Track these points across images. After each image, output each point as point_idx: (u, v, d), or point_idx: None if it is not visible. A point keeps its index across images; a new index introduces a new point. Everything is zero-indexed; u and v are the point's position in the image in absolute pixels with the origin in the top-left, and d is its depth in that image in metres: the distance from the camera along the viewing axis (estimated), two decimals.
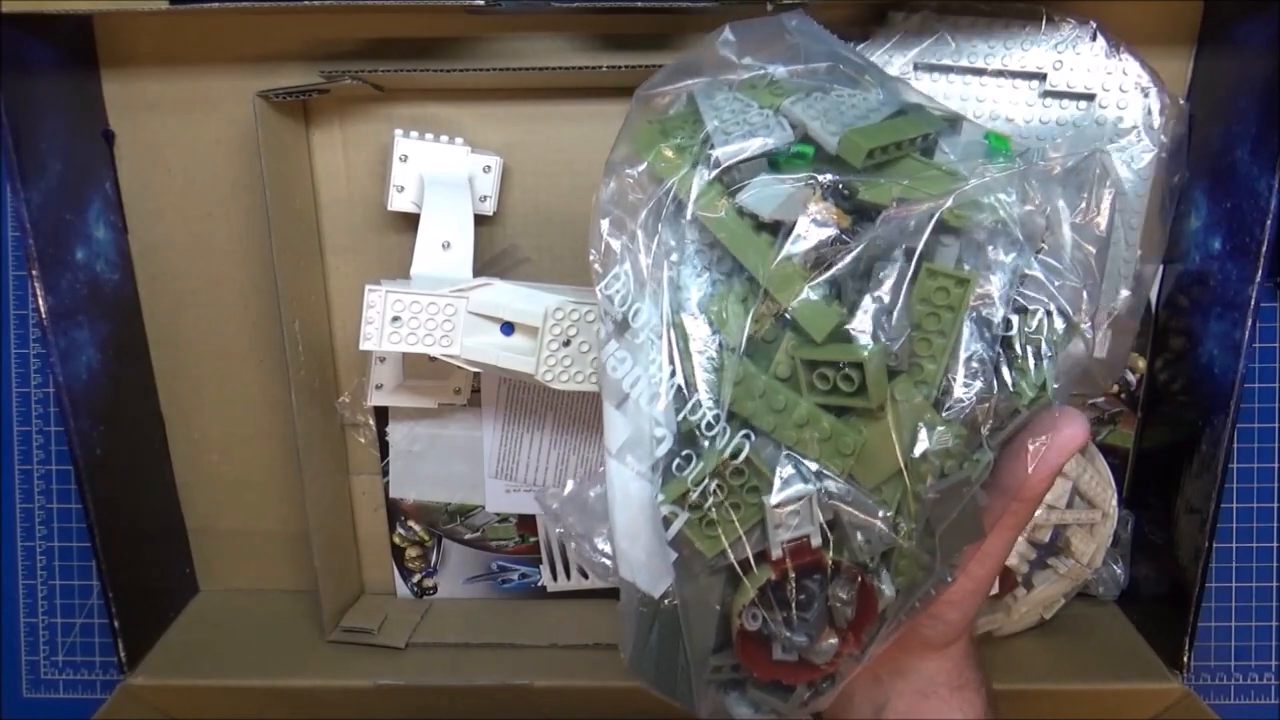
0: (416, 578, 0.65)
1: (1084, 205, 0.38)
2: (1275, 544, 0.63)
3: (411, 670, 0.59)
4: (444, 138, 0.57)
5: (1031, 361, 0.36)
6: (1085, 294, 0.37)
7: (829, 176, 0.35)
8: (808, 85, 0.39)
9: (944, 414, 0.34)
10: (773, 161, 0.37)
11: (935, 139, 0.38)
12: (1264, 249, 0.51)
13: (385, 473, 0.64)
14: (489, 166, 0.58)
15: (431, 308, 0.52)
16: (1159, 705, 0.56)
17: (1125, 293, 0.54)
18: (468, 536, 0.65)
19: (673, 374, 0.36)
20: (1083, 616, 0.61)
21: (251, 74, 0.58)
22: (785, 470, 0.35)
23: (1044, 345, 0.36)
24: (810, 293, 0.34)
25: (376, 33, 0.58)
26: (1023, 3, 0.53)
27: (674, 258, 0.37)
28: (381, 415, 0.63)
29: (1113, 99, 0.53)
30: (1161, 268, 0.58)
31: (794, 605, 0.36)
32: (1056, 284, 0.36)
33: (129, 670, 0.58)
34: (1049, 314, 0.36)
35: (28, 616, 0.66)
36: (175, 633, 0.62)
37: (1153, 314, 0.59)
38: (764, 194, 0.35)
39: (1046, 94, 0.53)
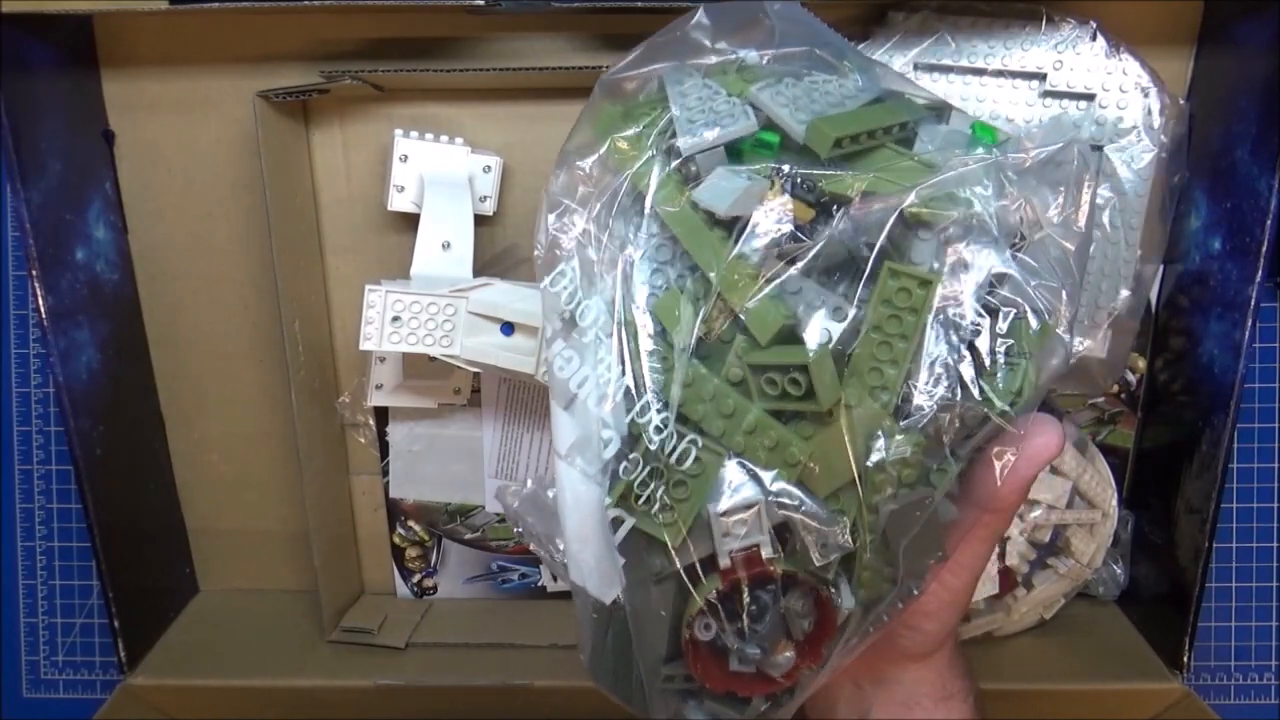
0: (416, 578, 0.65)
1: (1061, 200, 0.36)
2: (1275, 544, 0.63)
3: (411, 670, 0.59)
4: (444, 138, 0.57)
5: (1002, 367, 0.34)
6: (1064, 294, 0.35)
7: (790, 168, 0.34)
8: (779, 71, 0.37)
9: (903, 422, 0.33)
10: (736, 151, 0.35)
11: (914, 128, 0.36)
12: (1264, 249, 0.51)
13: (385, 473, 0.64)
14: (489, 166, 0.58)
15: (431, 308, 0.52)
16: (1159, 705, 0.56)
17: (1125, 293, 0.54)
18: (468, 536, 0.65)
19: (622, 374, 0.35)
20: (1083, 616, 0.61)
21: (251, 74, 0.58)
22: (735, 477, 0.33)
23: (1017, 350, 0.34)
24: (765, 293, 0.33)
25: (376, 33, 0.58)
26: (1023, 3, 0.53)
27: (628, 252, 0.35)
28: (381, 415, 0.63)
29: (1113, 99, 0.53)
30: (1161, 268, 0.58)
31: (746, 616, 0.34)
32: (1033, 284, 0.34)
33: (129, 670, 0.58)
34: (1022, 316, 0.34)
35: (28, 616, 0.66)
36: (175, 633, 0.62)
37: (1153, 314, 0.59)
38: (720, 188, 0.34)
39: (1046, 94, 0.53)
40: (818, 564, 0.34)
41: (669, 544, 0.34)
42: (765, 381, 0.33)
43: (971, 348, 0.33)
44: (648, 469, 0.34)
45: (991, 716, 0.55)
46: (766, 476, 0.33)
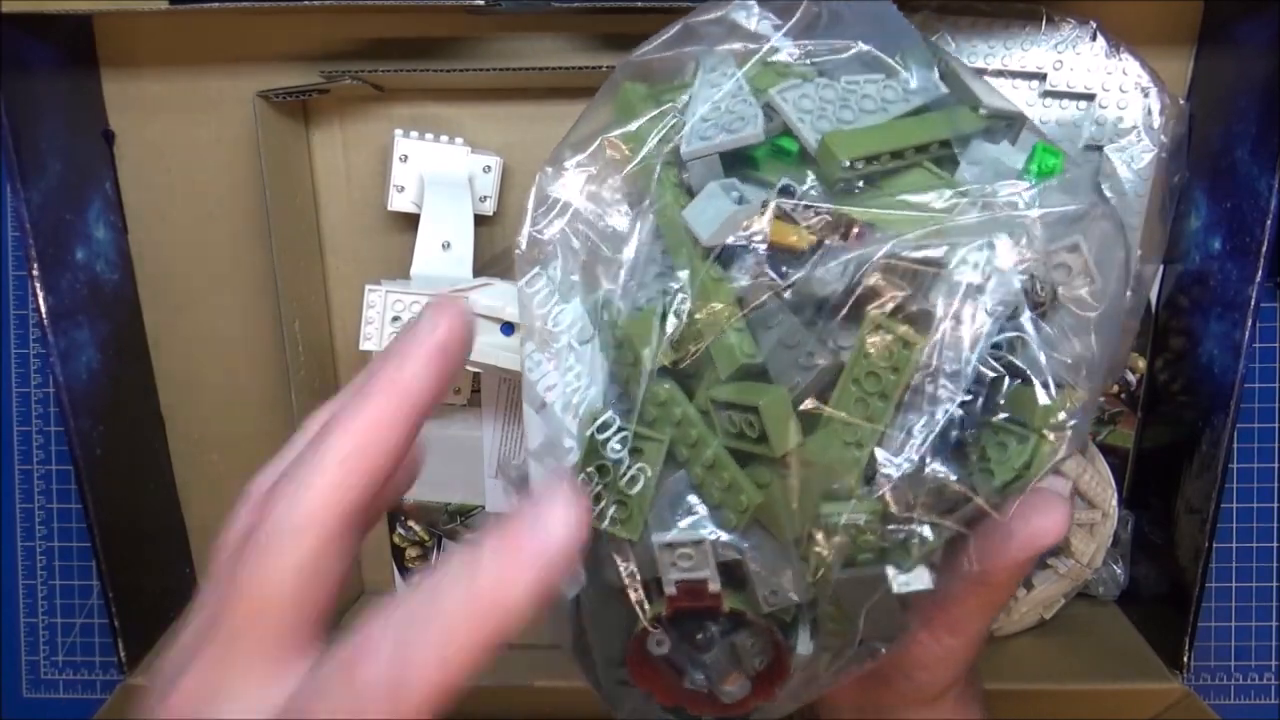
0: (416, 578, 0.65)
1: (1076, 250, 0.32)
2: (1275, 544, 0.63)
3: None
4: (444, 138, 0.57)
5: (996, 445, 0.31)
6: (1083, 371, 0.32)
7: (791, 188, 0.31)
8: (811, 69, 0.34)
9: (863, 488, 0.30)
10: (750, 159, 0.32)
11: (962, 145, 0.32)
12: (1264, 249, 0.51)
13: None
14: (489, 166, 0.58)
15: None
16: (1159, 705, 0.56)
17: (1126, 293, 0.54)
18: (468, 537, 0.65)
19: (589, 386, 0.33)
20: (1083, 616, 0.61)
21: (251, 74, 0.58)
22: (689, 504, 0.32)
23: (1017, 425, 0.31)
24: (737, 324, 0.30)
25: (376, 33, 0.58)
26: (1023, 3, 0.53)
27: (621, 256, 0.33)
28: None
29: (1113, 99, 0.53)
30: (1161, 268, 0.58)
31: (692, 646, 0.33)
32: (1049, 355, 0.31)
33: (129, 670, 0.58)
34: (1028, 385, 0.31)
35: (28, 616, 0.66)
36: (175, 633, 0.62)
37: (1153, 314, 0.59)
38: (705, 209, 0.31)
39: (1046, 94, 0.53)
40: (765, 610, 0.32)
41: (617, 562, 0.32)
42: (726, 419, 0.31)
43: (963, 415, 0.30)
44: (603, 484, 0.32)
45: (991, 717, 0.55)
46: (719, 515, 0.32)
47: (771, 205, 0.30)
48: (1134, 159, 0.53)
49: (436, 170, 0.57)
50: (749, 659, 0.33)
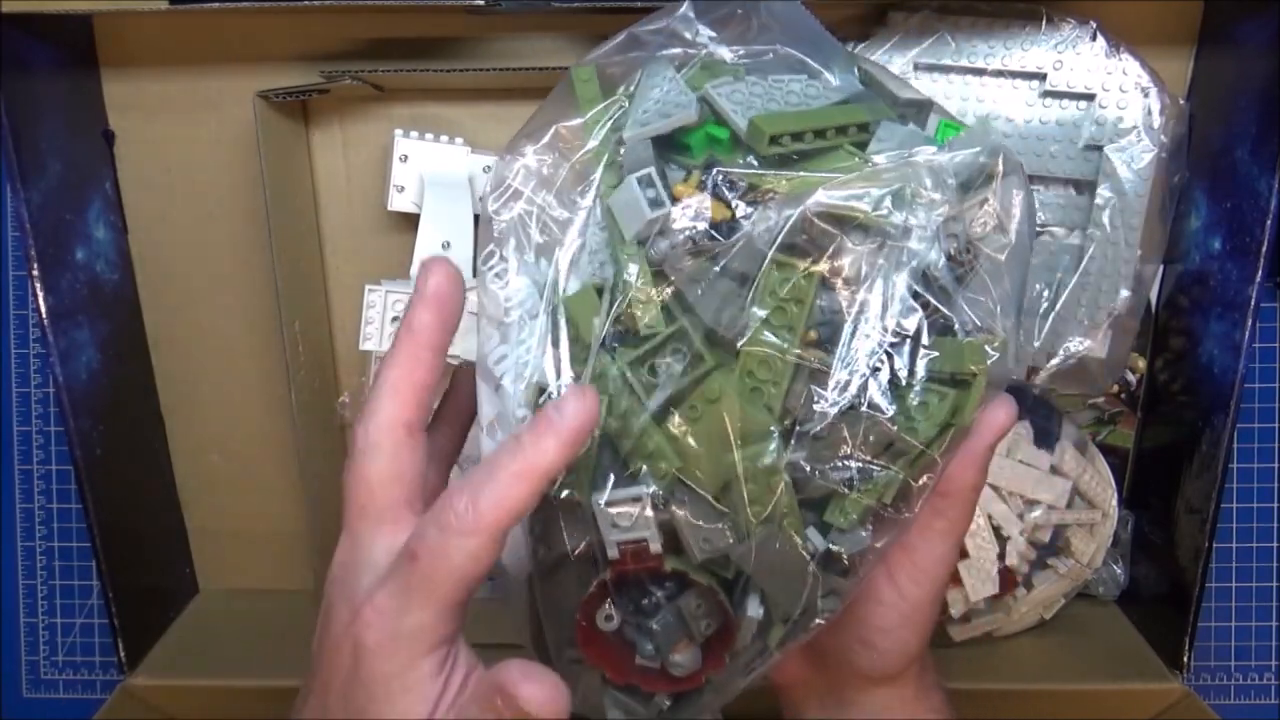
0: None
1: (988, 206, 0.34)
2: (1275, 544, 0.63)
3: None
4: (444, 138, 0.57)
5: (925, 387, 0.32)
6: (999, 308, 0.33)
7: (713, 166, 0.33)
8: (744, 69, 0.37)
9: (800, 428, 0.32)
10: (683, 145, 0.35)
11: (874, 128, 0.35)
12: (1264, 249, 0.51)
13: None
14: (489, 166, 0.58)
15: None
16: (1159, 705, 0.56)
17: (1125, 293, 0.54)
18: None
19: (541, 358, 0.35)
20: (1083, 616, 0.61)
21: (251, 74, 0.58)
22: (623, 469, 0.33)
23: (946, 370, 0.33)
24: (661, 294, 0.33)
25: (376, 33, 0.58)
26: (1023, 3, 0.53)
27: (568, 236, 0.35)
28: None
29: (1113, 99, 0.53)
30: (1161, 268, 0.58)
31: (639, 611, 0.34)
32: (966, 296, 0.33)
33: (129, 670, 0.58)
34: (950, 330, 0.32)
35: (28, 616, 0.66)
36: (175, 633, 0.62)
37: (1153, 314, 0.59)
38: (627, 201, 0.34)
39: (1046, 94, 0.53)
40: (699, 559, 0.33)
41: (562, 528, 0.34)
42: (648, 371, 0.33)
43: (889, 358, 0.32)
44: None
45: (991, 716, 0.55)
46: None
47: (701, 175, 0.34)
48: (1134, 159, 0.53)
49: (436, 170, 0.57)
50: (696, 624, 0.34)
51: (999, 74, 0.53)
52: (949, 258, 0.33)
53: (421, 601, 0.30)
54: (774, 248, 0.32)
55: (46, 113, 0.54)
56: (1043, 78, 0.53)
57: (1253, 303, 0.51)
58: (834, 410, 0.32)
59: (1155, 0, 0.56)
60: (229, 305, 0.62)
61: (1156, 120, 0.53)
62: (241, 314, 0.62)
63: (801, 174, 0.33)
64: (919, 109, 0.37)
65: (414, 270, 0.55)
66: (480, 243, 0.37)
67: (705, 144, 0.35)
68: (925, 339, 0.33)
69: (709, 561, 0.33)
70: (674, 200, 0.33)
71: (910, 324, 0.32)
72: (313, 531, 0.59)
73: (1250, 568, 0.63)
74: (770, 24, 0.38)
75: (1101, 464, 0.59)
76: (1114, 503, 0.58)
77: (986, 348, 0.33)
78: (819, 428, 0.32)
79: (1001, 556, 0.57)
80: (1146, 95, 0.53)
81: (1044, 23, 0.53)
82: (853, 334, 0.32)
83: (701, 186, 0.33)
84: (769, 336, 0.32)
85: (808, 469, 0.32)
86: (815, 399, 0.32)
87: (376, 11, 0.56)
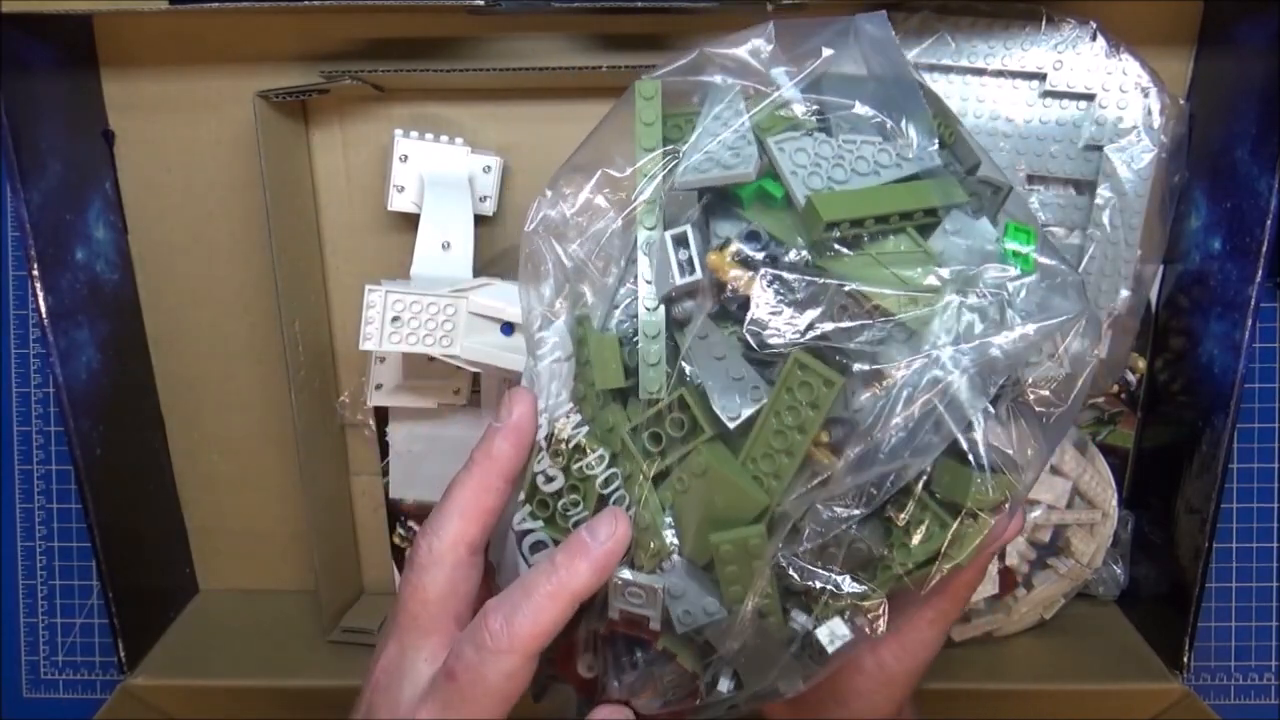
0: None
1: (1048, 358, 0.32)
2: (1275, 544, 0.63)
3: None
4: (444, 138, 0.57)
5: (922, 519, 0.31)
6: (1022, 464, 0.32)
7: (755, 233, 0.32)
8: (814, 122, 0.34)
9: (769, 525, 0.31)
10: (736, 196, 0.33)
11: (944, 214, 0.33)
12: (1264, 249, 0.51)
13: (385, 473, 0.64)
14: (489, 166, 0.58)
15: (431, 308, 0.52)
16: (1159, 705, 0.56)
17: (1125, 293, 0.54)
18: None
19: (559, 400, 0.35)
20: (1083, 616, 0.61)
21: (251, 74, 0.58)
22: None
23: (947, 503, 0.32)
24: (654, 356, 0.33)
25: (376, 33, 0.58)
26: (1023, 3, 0.53)
27: (604, 280, 0.35)
28: (381, 415, 0.63)
29: (1113, 99, 0.53)
30: (1161, 268, 0.58)
31: (616, 660, 0.35)
32: (991, 440, 0.31)
33: (129, 670, 0.58)
34: (966, 465, 0.31)
35: (28, 616, 0.66)
36: (175, 633, 0.62)
37: (1153, 314, 0.59)
38: (661, 254, 0.33)
39: (1046, 94, 0.53)
40: (680, 630, 0.33)
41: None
42: (649, 439, 0.33)
43: (894, 481, 0.31)
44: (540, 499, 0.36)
45: (991, 716, 0.55)
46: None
47: (729, 251, 0.32)
48: (1134, 159, 0.53)
49: (436, 170, 0.57)
50: (666, 689, 0.35)
51: (999, 74, 0.53)
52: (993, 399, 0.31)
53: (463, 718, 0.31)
54: (799, 346, 0.31)
55: (46, 113, 0.54)
56: (1043, 78, 0.53)
57: (1253, 303, 0.51)
58: (835, 522, 0.31)
59: (1155, 0, 0.56)
60: (229, 305, 0.62)
61: (1156, 120, 0.53)
62: (242, 314, 0.62)
63: (850, 284, 0.31)
64: (995, 189, 0.35)
65: (414, 270, 0.55)
66: (525, 275, 0.37)
67: (756, 198, 0.33)
68: (937, 466, 0.31)
69: (690, 631, 0.34)
70: (705, 268, 0.32)
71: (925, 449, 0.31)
72: (313, 531, 0.59)
73: (1250, 568, 0.63)
74: (856, 56, 0.35)
75: (1101, 464, 0.59)
76: (1114, 503, 0.58)
77: (994, 492, 0.31)
78: (809, 531, 0.31)
79: (1001, 556, 0.57)
80: (1146, 95, 0.53)
81: (1044, 23, 0.53)
82: (870, 451, 0.31)
83: (736, 259, 0.32)
84: (776, 430, 0.31)
85: (787, 567, 0.32)
86: (821, 509, 0.31)
87: (376, 11, 0.56)
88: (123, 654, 0.57)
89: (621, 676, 0.35)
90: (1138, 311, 0.55)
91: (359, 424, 0.63)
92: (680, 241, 0.33)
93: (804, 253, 0.32)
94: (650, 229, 0.34)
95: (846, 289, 0.31)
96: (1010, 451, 0.32)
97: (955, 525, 0.32)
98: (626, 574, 0.33)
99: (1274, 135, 0.50)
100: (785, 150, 0.33)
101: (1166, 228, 0.56)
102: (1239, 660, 0.63)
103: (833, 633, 0.33)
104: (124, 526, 0.58)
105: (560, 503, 0.35)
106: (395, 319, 0.52)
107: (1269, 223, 0.51)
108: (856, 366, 0.31)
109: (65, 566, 0.65)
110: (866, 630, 0.33)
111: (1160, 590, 0.59)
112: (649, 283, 0.33)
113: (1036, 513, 0.57)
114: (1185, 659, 0.55)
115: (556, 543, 0.35)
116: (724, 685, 0.34)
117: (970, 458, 0.31)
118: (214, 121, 0.59)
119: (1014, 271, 0.32)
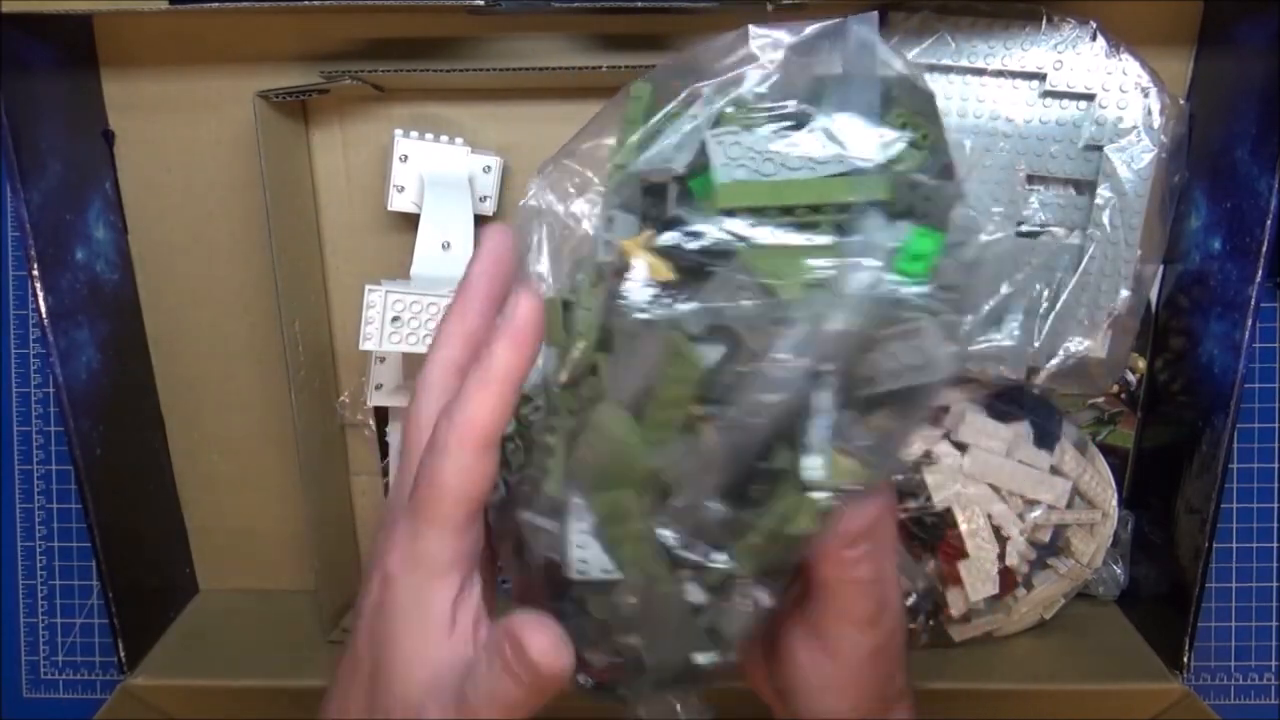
0: None
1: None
2: (1275, 544, 0.63)
3: None
4: (444, 138, 0.57)
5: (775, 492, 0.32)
6: (877, 448, 0.32)
7: (676, 218, 0.32)
8: (761, 118, 0.34)
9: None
10: (691, 185, 0.34)
11: (865, 211, 0.32)
12: (1264, 249, 0.51)
13: (385, 473, 0.64)
14: (489, 166, 0.58)
15: (432, 308, 0.52)
16: (1159, 705, 0.56)
17: (1125, 293, 0.54)
18: None
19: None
20: (1083, 616, 0.61)
21: (251, 74, 0.58)
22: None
23: (781, 493, 0.32)
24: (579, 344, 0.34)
25: (376, 33, 0.58)
26: (1023, 3, 0.53)
27: (576, 257, 0.36)
28: (381, 415, 0.63)
29: (1113, 99, 0.53)
30: (1161, 268, 0.58)
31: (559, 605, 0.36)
32: (830, 422, 0.32)
33: (129, 670, 0.58)
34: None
35: (28, 616, 0.66)
36: (175, 633, 0.62)
37: (1153, 314, 0.59)
38: (596, 233, 0.35)
39: (1046, 94, 0.53)
40: (575, 576, 0.34)
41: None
42: (569, 395, 0.34)
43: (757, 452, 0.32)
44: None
45: (991, 716, 0.55)
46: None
47: (643, 236, 0.33)
48: (1134, 159, 0.53)
49: (436, 170, 0.57)
50: (591, 639, 0.36)
51: (999, 74, 0.53)
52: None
53: (426, 524, 0.32)
54: (686, 327, 0.31)
55: (46, 113, 0.54)
56: (1043, 78, 0.53)
57: (1253, 303, 0.51)
58: (699, 494, 0.32)
59: (1155, 0, 0.56)
60: (229, 305, 0.62)
61: (1156, 120, 0.53)
62: (242, 314, 0.62)
63: (732, 267, 0.31)
64: (945, 194, 0.34)
65: (414, 270, 0.55)
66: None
67: (705, 191, 0.33)
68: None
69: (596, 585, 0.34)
70: (620, 251, 0.33)
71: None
72: (312, 531, 0.59)
73: (1250, 568, 0.63)
74: (835, 60, 0.35)
75: (1101, 464, 0.59)
76: (1114, 503, 0.58)
77: (833, 477, 0.31)
78: (681, 501, 0.32)
79: (1001, 556, 0.57)
80: (1146, 95, 0.53)
81: (1044, 23, 0.53)
82: (733, 428, 0.31)
83: (647, 245, 0.33)
84: (660, 403, 0.32)
85: (669, 535, 0.32)
86: (690, 481, 0.32)
87: (376, 11, 0.56)
88: (123, 654, 0.57)
89: (564, 624, 0.35)
90: (1138, 311, 0.55)
91: (359, 424, 0.63)
92: (606, 224, 0.35)
93: (718, 236, 0.32)
94: (607, 215, 0.35)
95: (728, 269, 0.31)
96: (867, 444, 0.32)
97: (800, 502, 0.32)
98: (527, 515, 0.34)
99: (1274, 135, 0.50)
100: (722, 144, 0.33)
101: (1166, 228, 0.56)
102: (1239, 660, 0.63)
103: (721, 609, 0.34)
104: (124, 526, 0.58)
105: (509, 446, 0.37)
106: (395, 319, 0.52)
107: (1269, 223, 0.51)
108: (722, 346, 0.31)
109: (65, 566, 0.65)
110: (750, 606, 0.33)
111: (1160, 590, 0.59)
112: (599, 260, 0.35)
113: (1037, 513, 0.57)
114: (1185, 659, 0.55)
115: (506, 482, 0.37)
116: (634, 639, 0.35)
117: (810, 442, 0.32)
118: (214, 121, 0.59)
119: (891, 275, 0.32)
